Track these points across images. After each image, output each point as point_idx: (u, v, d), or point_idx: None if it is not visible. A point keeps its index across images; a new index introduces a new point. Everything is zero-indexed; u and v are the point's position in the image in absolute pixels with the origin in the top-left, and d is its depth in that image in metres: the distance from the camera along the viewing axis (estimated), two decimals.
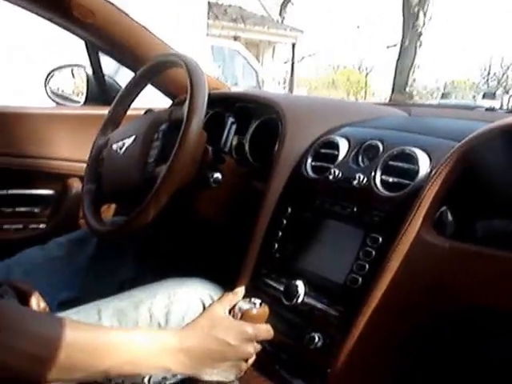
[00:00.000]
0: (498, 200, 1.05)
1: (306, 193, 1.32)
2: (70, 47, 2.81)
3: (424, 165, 1.14)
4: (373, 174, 1.19)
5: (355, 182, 1.20)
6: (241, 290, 1.26)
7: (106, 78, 2.23)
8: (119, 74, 2.38)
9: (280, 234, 1.32)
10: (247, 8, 20.08)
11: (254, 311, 1.18)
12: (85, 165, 1.69)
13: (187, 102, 1.36)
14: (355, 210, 1.19)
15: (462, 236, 1.04)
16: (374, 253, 1.11)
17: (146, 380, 1.15)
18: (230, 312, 1.19)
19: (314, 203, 1.29)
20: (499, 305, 1.01)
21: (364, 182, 1.19)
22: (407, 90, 16.72)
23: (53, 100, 2.32)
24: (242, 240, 1.41)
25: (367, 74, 30.20)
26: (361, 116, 1.52)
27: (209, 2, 11.73)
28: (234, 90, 2.19)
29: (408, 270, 1.07)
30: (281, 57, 21.22)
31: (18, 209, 2.04)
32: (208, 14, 11.45)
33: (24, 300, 1.31)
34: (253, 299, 1.20)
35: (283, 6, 26.13)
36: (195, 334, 1.13)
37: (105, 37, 1.97)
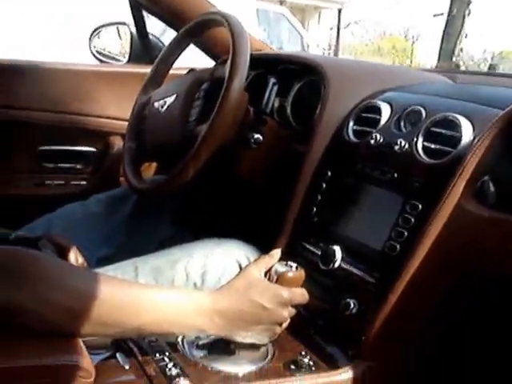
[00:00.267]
0: None
1: (347, 157, 1.31)
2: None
3: (467, 132, 1.12)
4: (414, 139, 1.17)
5: (396, 148, 1.18)
6: (277, 253, 1.24)
7: (149, 36, 2.22)
8: (165, 35, 2.38)
9: (319, 197, 1.31)
10: None
11: (290, 274, 1.17)
12: (126, 123, 1.71)
13: (229, 61, 1.35)
14: (395, 175, 1.17)
15: (502, 207, 1.02)
16: (413, 220, 1.10)
17: (179, 339, 1.16)
18: (265, 274, 1.18)
19: (354, 168, 1.27)
20: None
21: (405, 147, 1.18)
22: (453, 59, 16.39)
23: (96, 58, 2.33)
24: (280, 202, 1.40)
25: (413, 42, 29.69)
26: (405, 81, 1.49)
27: None
28: (277, 51, 2.18)
29: (447, 238, 1.06)
30: (326, 23, 20.98)
31: (60, 165, 2.07)
32: None
33: (62, 254, 1.33)
34: (289, 262, 1.19)
35: None
36: (230, 295, 1.12)
37: None
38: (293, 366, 1.12)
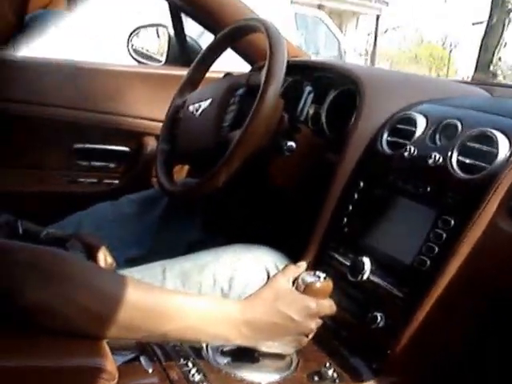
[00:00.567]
0: None
1: (380, 168, 1.29)
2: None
3: (504, 148, 1.10)
4: (449, 154, 1.16)
5: (431, 161, 1.17)
6: (304, 264, 1.25)
7: (187, 39, 2.23)
8: (202, 37, 2.38)
9: (350, 208, 1.30)
10: None
11: (318, 285, 1.16)
12: (161, 124, 1.72)
13: (265, 67, 1.35)
14: (428, 189, 1.16)
15: None
16: (444, 236, 1.08)
17: (204, 344, 1.16)
18: (293, 283, 1.18)
19: (386, 179, 1.26)
20: None
21: (440, 161, 1.16)
22: (491, 68, 16.21)
23: (134, 58, 2.34)
24: (311, 211, 1.39)
25: (451, 50, 29.46)
26: (441, 93, 1.47)
27: None
28: (314, 58, 2.17)
29: (479, 255, 1.05)
30: (364, 28, 20.91)
31: (93, 163, 2.09)
32: None
33: (92, 254, 1.33)
34: (317, 272, 1.19)
35: None
36: (258, 305, 1.12)
37: None
38: (316, 378, 1.12)
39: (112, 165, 2.10)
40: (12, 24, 1.41)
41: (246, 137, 1.32)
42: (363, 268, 1.19)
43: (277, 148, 1.41)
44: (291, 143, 1.40)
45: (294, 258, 1.31)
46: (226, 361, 1.14)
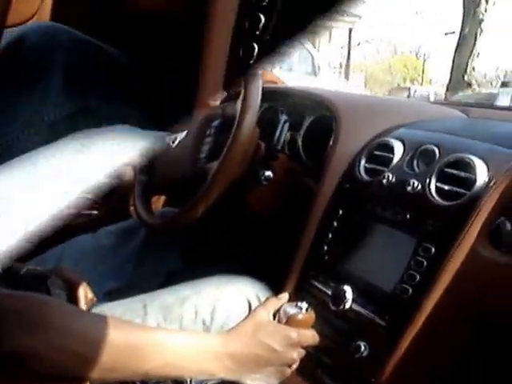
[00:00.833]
0: None
1: (359, 195, 1.29)
2: None
3: (482, 174, 1.10)
4: (428, 180, 1.15)
5: (409, 188, 1.17)
6: (285, 295, 1.26)
7: None
8: None
9: (330, 236, 1.29)
10: None
11: (300, 316, 1.16)
12: None
13: (241, 97, 1.34)
14: (408, 216, 1.15)
15: None
16: (425, 263, 1.08)
17: (188, 379, 1.15)
18: (274, 316, 1.17)
19: (366, 207, 1.25)
20: None
21: (418, 188, 1.16)
22: (465, 78, 16.36)
23: None
24: (291, 237, 1.38)
25: (424, 60, 29.75)
26: (417, 117, 1.48)
27: None
28: (289, 86, 2.16)
29: (461, 282, 1.04)
30: (337, 42, 21.03)
31: None
32: None
33: (72, 290, 1.32)
34: (299, 303, 1.18)
35: None
36: (240, 338, 1.13)
37: None
38: None
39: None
40: None
41: (224, 167, 1.31)
42: (345, 297, 1.18)
43: (254, 178, 1.41)
44: (268, 173, 1.40)
45: (275, 288, 1.30)
46: None
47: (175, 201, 1.70)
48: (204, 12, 1.21)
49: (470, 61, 16.70)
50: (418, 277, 1.09)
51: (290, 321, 1.17)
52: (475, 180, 1.10)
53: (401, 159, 1.26)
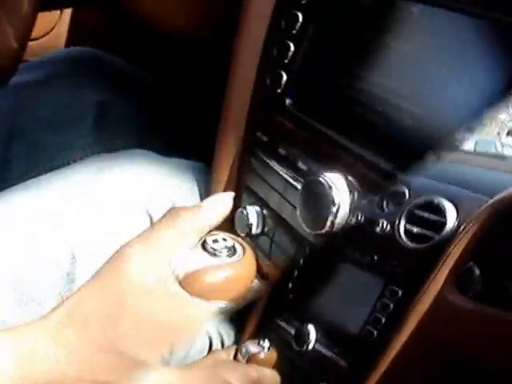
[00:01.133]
0: None
1: (326, 234, 1.26)
2: None
3: (451, 218, 1.07)
4: (397, 222, 1.12)
5: (378, 229, 1.14)
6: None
7: None
8: None
9: (296, 273, 1.25)
10: None
11: (262, 355, 1.11)
12: None
13: None
14: (376, 258, 1.12)
15: (488, 298, 0.99)
16: (391, 306, 1.05)
17: None
18: (235, 356, 1.14)
19: (333, 245, 1.21)
20: None
21: (387, 229, 1.13)
22: None
23: None
24: None
25: None
26: None
27: None
28: None
29: (427, 328, 1.02)
30: None
31: None
32: None
33: None
34: (261, 342, 1.15)
35: None
36: (200, 373, 1.05)
37: None
38: None
39: None
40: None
41: None
42: (308, 337, 1.14)
43: None
44: None
45: (237, 325, 1.27)
46: None
47: None
48: (229, 38, 1.19)
49: None
50: (383, 320, 1.06)
51: (252, 359, 1.10)
52: (445, 224, 1.07)
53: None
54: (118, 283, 0.74)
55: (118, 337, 0.73)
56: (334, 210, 1.04)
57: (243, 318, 1.29)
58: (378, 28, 1.01)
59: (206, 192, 1.35)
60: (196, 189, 1.33)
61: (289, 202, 1.18)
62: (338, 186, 1.04)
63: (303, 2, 1.13)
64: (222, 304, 0.85)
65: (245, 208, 1.25)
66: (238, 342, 1.24)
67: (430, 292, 1.02)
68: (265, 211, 1.25)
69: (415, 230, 1.14)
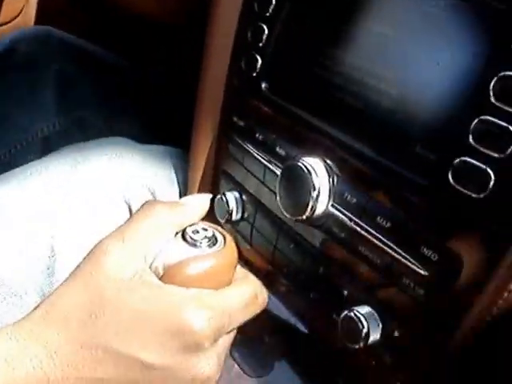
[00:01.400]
0: None
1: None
2: None
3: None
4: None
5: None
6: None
7: None
8: None
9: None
10: None
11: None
12: None
13: None
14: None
15: None
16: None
17: None
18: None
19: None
20: None
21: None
22: None
23: None
24: None
25: None
26: None
27: None
28: None
29: None
30: None
31: None
32: None
33: None
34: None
35: None
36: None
37: None
38: None
39: None
40: None
41: None
42: None
43: None
44: None
45: None
46: None
47: None
48: (203, 22, 1.16)
49: None
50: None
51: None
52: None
53: None
54: (96, 278, 0.70)
55: (99, 332, 0.68)
56: (315, 194, 1.01)
57: None
58: (353, 9, 0.99)
59: (183, 179, 1.33)
60: (173, 176, 1.31)
61: (268, 188, 1.16)
62: (318, 171, 1.02)
63: None
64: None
65: (224, 194, 1.23)
66: None
67: None
68: (244, 197, 1.24)
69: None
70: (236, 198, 1.23)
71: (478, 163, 0.76)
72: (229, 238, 0.84)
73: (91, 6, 1.61)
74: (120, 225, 0.80)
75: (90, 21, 1.79)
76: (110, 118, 1.55)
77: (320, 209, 1.03)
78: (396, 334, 0.91)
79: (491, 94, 0.74)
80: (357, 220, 0.97)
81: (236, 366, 1.23)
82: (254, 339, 1.24)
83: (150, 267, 0.75)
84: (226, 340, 0.79)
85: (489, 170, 0.75)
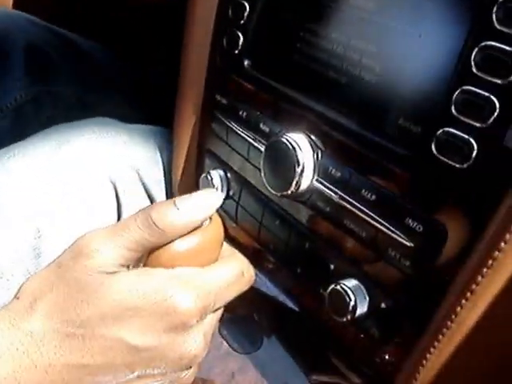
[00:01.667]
0: None
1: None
2: None
3: None
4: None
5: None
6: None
7: None
8: None
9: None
10: None
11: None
12: None
13: None
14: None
15: None
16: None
17: None
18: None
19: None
20: None
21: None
22: None
23: None
24: None
25: None
26: None
27: None
28: None
29: None
30: None
31: None
32: None
33: None
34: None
35: None
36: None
37: None
38: None
39: None
40: None
41: None
42: None
43: None
44: None
45: None
46: None
47: None
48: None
49: None
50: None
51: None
52: None
53: None
54: (78, 271, 0.70)
55: (84, 320, 0.67)
56: (299, 170, 1.02)
57: None
58: None
59: (168, 158, 1.33)
60: (158, 155, 1.32)
61: (252, 165, 1.16)
62: (302, 146, 1.02)
63: None
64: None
65: (209, 173, 1.24)
66: None
67: None
68: (229, 175, 1.24)
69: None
70: (221, 176, 1.23)
71: (460, 133, 0.76)
72: (215, 215, 0.83)
73: None
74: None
75: (74, 11, 1.78)
76: (84, 94, 1.55)
77: (305, 184, 1.03)
78: (383, 306, 0.92)
79: (473, 64, 0.75)
80: (342, 194, 0.97)
81: (225, 343, 1.24)
82: (243, 317, 1.25)
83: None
84: (213, 318, 0.79)
85: (471, 139, 0.76)
